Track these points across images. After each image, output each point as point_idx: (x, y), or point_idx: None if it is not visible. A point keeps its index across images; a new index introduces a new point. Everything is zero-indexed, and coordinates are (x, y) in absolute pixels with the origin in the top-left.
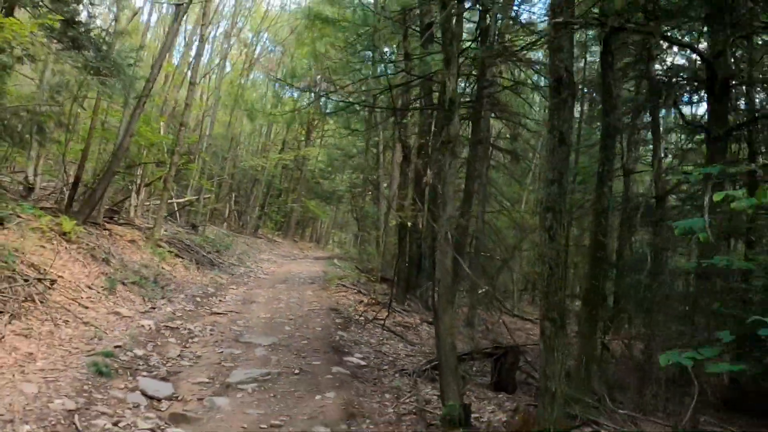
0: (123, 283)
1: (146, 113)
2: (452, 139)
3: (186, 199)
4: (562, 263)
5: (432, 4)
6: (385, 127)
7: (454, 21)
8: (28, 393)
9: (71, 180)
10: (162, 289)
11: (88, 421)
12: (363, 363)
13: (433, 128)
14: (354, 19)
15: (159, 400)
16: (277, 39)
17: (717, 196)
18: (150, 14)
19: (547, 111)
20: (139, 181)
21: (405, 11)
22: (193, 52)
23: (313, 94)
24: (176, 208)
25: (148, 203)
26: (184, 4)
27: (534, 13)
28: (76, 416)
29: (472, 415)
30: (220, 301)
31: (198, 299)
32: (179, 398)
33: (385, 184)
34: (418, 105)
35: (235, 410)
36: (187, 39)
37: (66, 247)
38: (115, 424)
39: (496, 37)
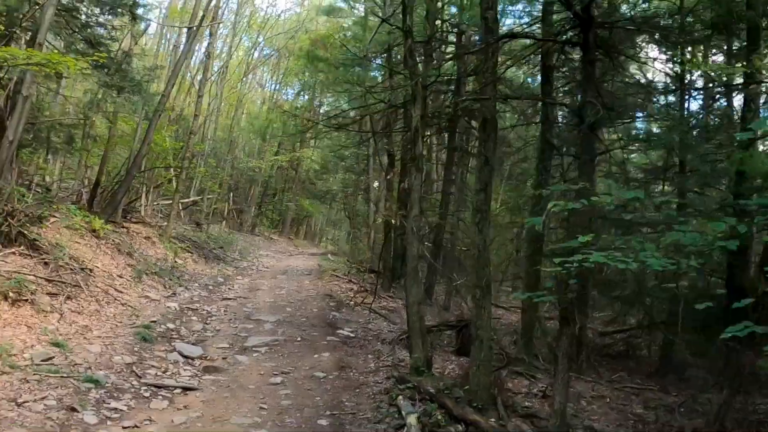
0: (146, 273)
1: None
2: (417, 157)
3: (191, 199)
4: (487, 248)
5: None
6: (374, 140)
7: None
8: (94, 352)
9: (89, 182)
10: (179, 279)
11: (143, 371)
12: (352, 335)
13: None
14: (345, 60)
15: (193, 358)
16: (273, 45)
17: (550, 205)
18: (162, 32)
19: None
20: (149, 183)
21: (389, 47)
22: (195, 61)
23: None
24: (181, 208)
25: (156, 203)
26: (194, 28)
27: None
28: (134, 367)
29: (436, 369)
30: (229, 288)
31: (210, 287)
32: (208, 357)
33: (375, 184)
34: (399, 124)
35: (253, 364)
36: (190, 47)
37: (96, 243)
38: (164, 372)
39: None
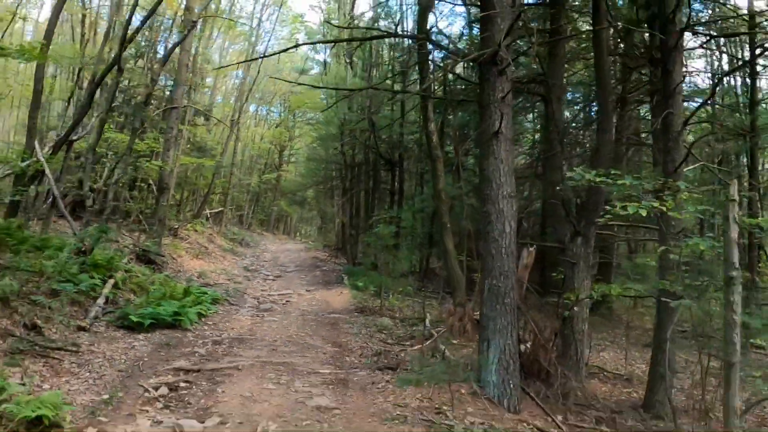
0: (224, 251)
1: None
2: (348, 198)
3: (218, 209)
4: (374, 228)
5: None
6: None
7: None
8: (236, 271)
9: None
10: (238, 254)
11: (253, 278)
12: (327, 269)
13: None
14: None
15: (269, 275)
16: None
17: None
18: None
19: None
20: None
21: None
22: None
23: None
24: (209, 215)
25: (203, 213)
26: (234, 120)
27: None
28: (252, 274)
29: None
30: (264, 258)
31: (255, 257)
32: (272, 275)
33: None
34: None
35: (291, 275)
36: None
37: (200, 236)
38: (262, 277)
39: None
